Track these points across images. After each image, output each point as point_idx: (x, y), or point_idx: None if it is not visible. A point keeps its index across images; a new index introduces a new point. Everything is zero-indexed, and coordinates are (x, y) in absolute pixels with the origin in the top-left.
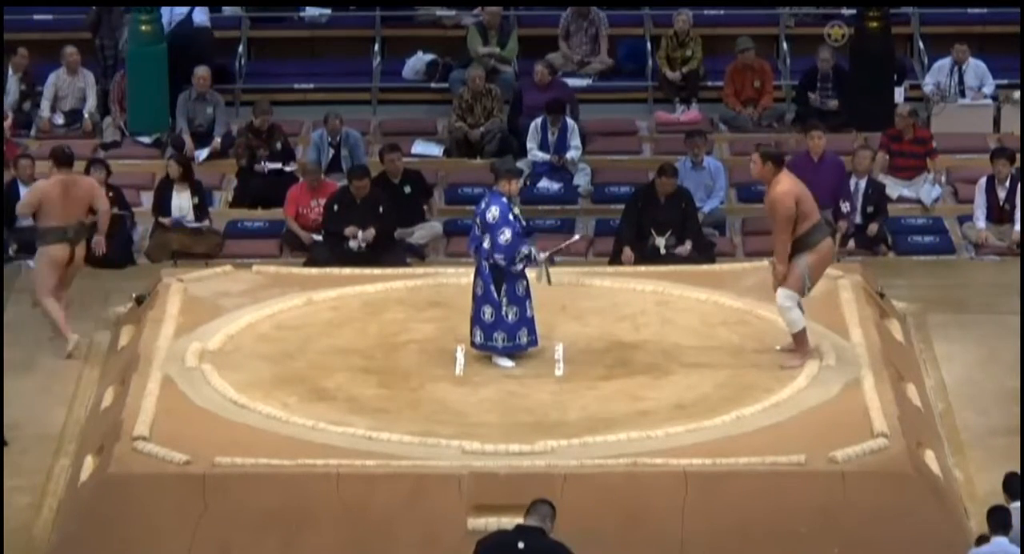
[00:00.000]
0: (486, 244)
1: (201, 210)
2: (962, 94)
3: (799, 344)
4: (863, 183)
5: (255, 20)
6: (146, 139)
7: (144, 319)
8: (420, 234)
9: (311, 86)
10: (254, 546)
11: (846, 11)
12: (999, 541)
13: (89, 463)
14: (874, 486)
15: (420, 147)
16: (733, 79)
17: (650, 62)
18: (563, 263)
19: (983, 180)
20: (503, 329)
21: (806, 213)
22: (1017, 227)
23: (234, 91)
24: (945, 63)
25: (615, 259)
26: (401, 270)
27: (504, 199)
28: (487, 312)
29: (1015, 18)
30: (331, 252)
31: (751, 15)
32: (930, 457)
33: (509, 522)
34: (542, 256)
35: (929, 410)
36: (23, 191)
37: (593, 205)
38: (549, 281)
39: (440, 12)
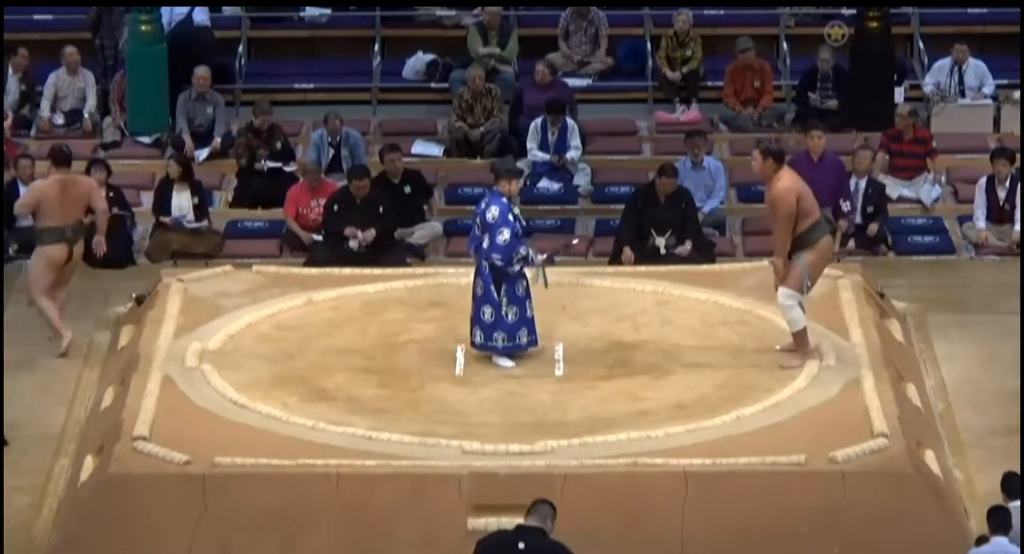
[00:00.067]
0: (486, 244)
1: (201, 210)
2: (962, 94)
3: (799, 344)
4: (863, 183)
5: (255, 20)
6: (146, 139)
7: (144, 319)
8: (420, 234)
9: (311, 86)
10: (254, 546)
11: (846, 11)
12: (999, 541)
13: (89, 463)
14: (874, 486)
15: (420, 147)
16: (733, 79)
17: (650, 62)
18: (563, 263)
19: (983, 180)
20: (503, 329)
21: (807, 210)
22: (1017, 227)
23: (234, 91)
24: (945, 63)
25: (615, 259)
26: (401, 270)
27: (504, 199)
28: (487, 312)
29: (1015, 18)
30: (331, 252)
31: (751, 15)
32: (930, 457)
33: (509, 522)
34: (539, 258)
35: (929, 410)
36: (23, 191)
37: (593, 205)
38: (546, 284)
39: (440, 12)
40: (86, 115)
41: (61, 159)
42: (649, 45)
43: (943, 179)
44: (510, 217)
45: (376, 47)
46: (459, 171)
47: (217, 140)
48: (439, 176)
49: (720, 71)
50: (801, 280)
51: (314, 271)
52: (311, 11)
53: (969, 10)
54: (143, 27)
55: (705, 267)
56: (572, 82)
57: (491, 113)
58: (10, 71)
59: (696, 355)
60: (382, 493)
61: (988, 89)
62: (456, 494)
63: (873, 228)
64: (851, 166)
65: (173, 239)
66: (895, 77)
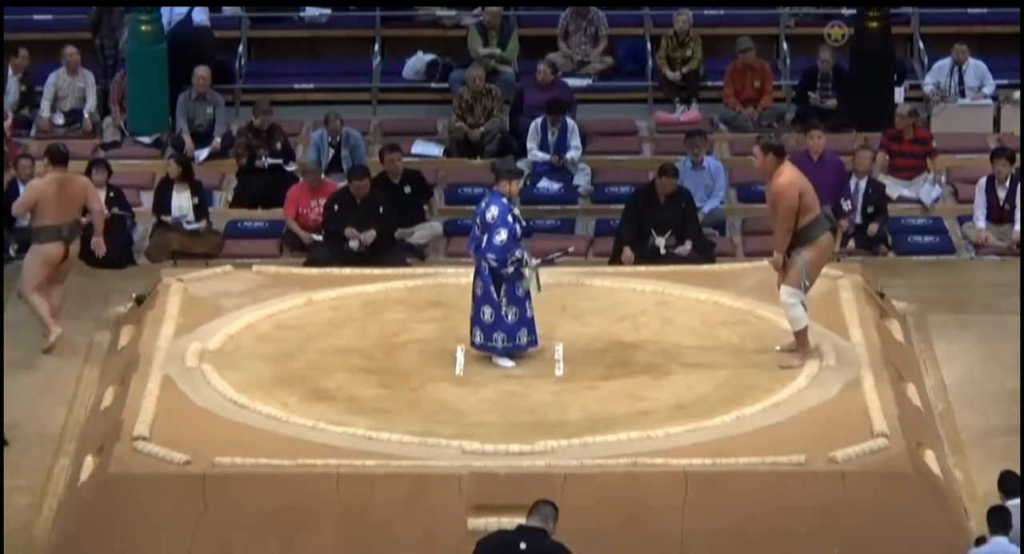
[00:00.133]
0: (484, 244)
1: (201, 210)
2: (962, 94)
3: (800, 343)
4: (863, 183)
5: (255, 20)
6: (146, 139)
7: (144, 319)
8: (420, 234)
9: (311, 86)
10: (254, 546)
11: (846, 11)
12: (999, 541)
13: (89, 463)
14: (874, 486)
15: (420, 147)
16: (733, 79)
17: (650, 62)
18: (563, 263)
19: (983, 180)
20: (503, 329)
21: (808, 206)
22: (1017, 227)
23: (234, 91)
24: (945, 63)
25: (615, 259)
26: (401, 270)
27: (504, 199)
28: (487, 312)
29: (1015, 18)
30: (331, 252)
31: (751, 15)
32: (930, 457)
33: (509, 522)
34: (534, 261)
35: (929, 410)
36: (23, 191)
37: (593, 205)
38: (539, 287)
39: (440, 12)
40: (86, 115)
41: (58, 158)
42: (649, 45)
43: (943, 179)
44: (509, 218)
45: (376, 47)
46: (459, 171)
47: (217, 140)
48: (439, 176)
49: (720, 71)
50: (800, 278)
51: (314, 271)
52: (311, 11)
53: (969, 10)
54: (143, 27)
55: (705, 267)
56: (572, 82)
57: (491, 113)
58: (10, 71)
59: (696, 355)
60: (382, 493)
61: (988, 89)
62: (456, 494)
63: (873, 228)
64: (851, 166)
65: (173, 239)
66: (895, 77)
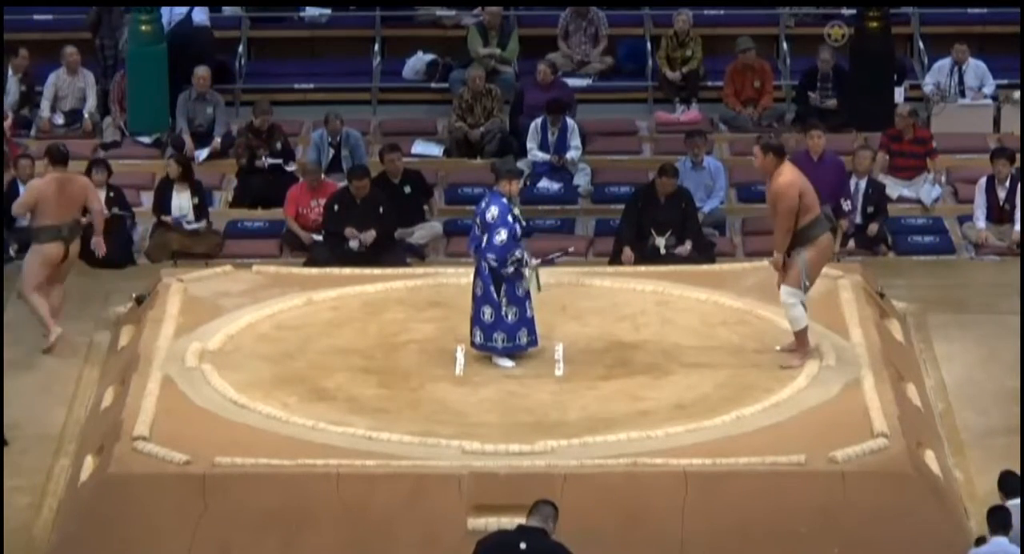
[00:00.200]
0: (484, 244)
1: (201, 210)
2: (962, 94)
3: (800, 343)
4: (863, 183)
5: (255, 20)
6: (146, 139)
7: (144, 319)
8: (420, 234)
9: (311, 86)
10: (254, 546)
11: (846, 11)
12: (999, 541)
13: (89, 463)
14: (874, 486)
15: (420, 147)
16: (733, 79)
17: (650, 62)
18: (563, 263)
19: (983, 180)
20: (503, 329)
21: (808, 206)
22: (1017, 227)
23: (234, 91)
24: (945, 63)
25: (615, 259)
26: (401, 270)
27: (504, 199)
28: (487, 312)
29: (1015, 18)
30: (331, 252)
31: (751, 15)
32: (930, 457)
33: (509, 522)
34: (534, 261)
35: (929, 410)
36: (23, 191)
37: (593, 205)
38: (539, 288)
39: (440, 12)
40: (86, 115)
41: (58, 158)
42: (649, 45)
43: (943, 179)
44: (509, 218)
45: (376, 47)
46: (459, 171)
47: (217, 140)
48: (439, 176)
49: (720, 71)
50: (799, 278)
51: (314, 271)
52: (311, 11)
53: (969, 10)
54: (143, 27)
55: (705, 267)
56: (572, 82)
57: (491, 113)
58: (10, 71)
59: (696, 355)
60: (382, 493)
61: (988, 89)
62: (456, 494)
63: (873, 228)
64: (851, 166)
65: (173, 239)
66: (895, 77)
